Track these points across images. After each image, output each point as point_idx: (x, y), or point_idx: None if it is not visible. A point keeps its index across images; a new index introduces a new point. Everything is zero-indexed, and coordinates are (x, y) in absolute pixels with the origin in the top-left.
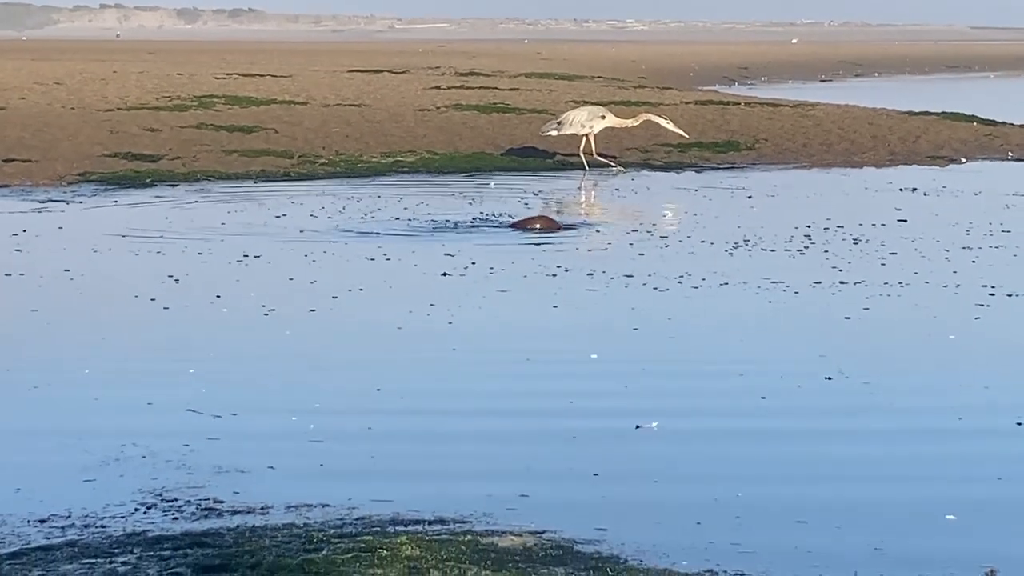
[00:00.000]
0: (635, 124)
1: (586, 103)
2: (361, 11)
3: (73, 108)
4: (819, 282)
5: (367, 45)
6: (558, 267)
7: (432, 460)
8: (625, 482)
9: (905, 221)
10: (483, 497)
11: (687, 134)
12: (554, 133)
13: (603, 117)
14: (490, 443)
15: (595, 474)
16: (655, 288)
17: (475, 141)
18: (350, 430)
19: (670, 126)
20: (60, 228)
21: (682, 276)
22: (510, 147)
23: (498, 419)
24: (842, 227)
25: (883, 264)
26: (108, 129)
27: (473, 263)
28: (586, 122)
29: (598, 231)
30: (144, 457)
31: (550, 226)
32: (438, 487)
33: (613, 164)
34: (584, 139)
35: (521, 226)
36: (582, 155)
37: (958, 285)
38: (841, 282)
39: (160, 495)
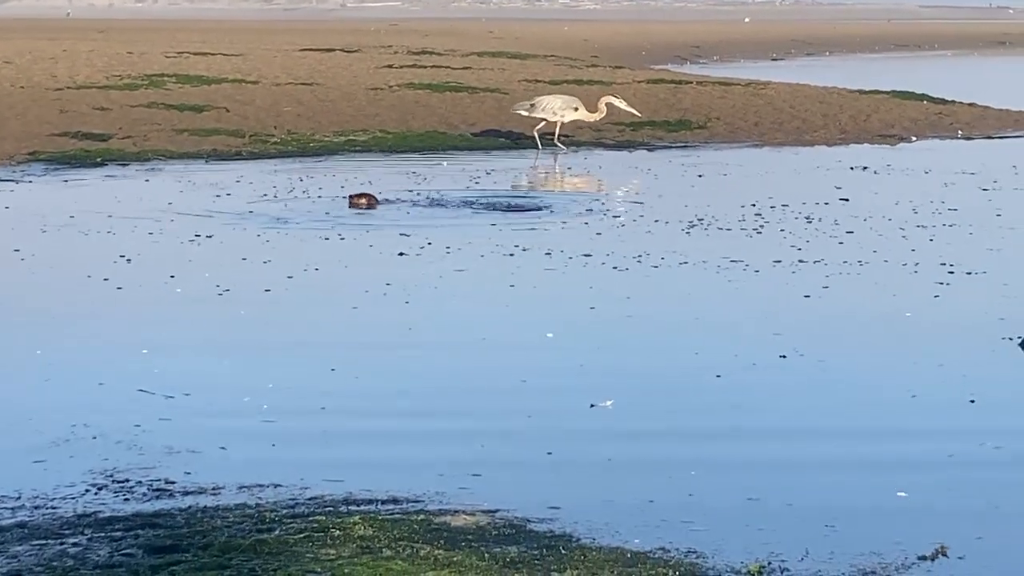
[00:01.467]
0: (601, 117)
1: (547, 87)
2: None
3: (22, 87)
4: (779, 261)
5: (319, 24)
6: (515, 246)
7: (385, 440)
8: (578, 461)
9: (855, 200)
10: (436, 476)
11: (639, 113)
12: (524, 113)
13: (576, 109)
14: (443, 422)
15: (548, 453)
16: (614, 267)
17: (428, 120)
18: (303, 410)
19: (623, 105)
20: (7, 208)
21: (641, 255)
22: (463, 126)
23: (452, 398)
24: (795, 206)
25: (841, 243)
26: (58, 108)
27: (429, 243)
28: (559, 110)
29: (553, 211)
30: (95, 438)
31: (371, 203)
32: (391, 467)
33: (561, 146)
34: (544, 122)
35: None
36: (536, 134)
37: (917, 264)
38: (800, 261)
39: (111, 476)
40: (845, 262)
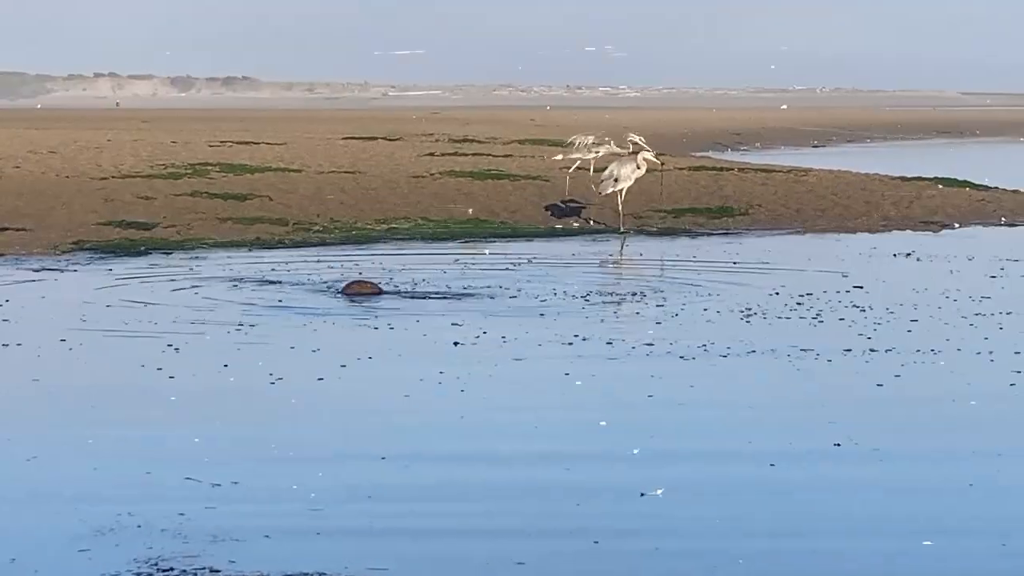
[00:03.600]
0: (643, 171)
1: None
2: (355, 78)
3: (68, 176)
4: (849, 350)
5: (361, 112)
6: (575, 336)
7: (431, 529)
8: (626, 550)
9: (905, 288)
10: (482, 564)
11: (660, 162)
12: (611, 189)
13: (609, 142)
14: (490, 510)
15: (595, 542)
16: (680, 357)
17: (469, 207)
18: (350, 500)
19: (652, 156)
20: (43, 297)
21: (706, 344)
22: (504, 213)
23: (501, 486)
24: (844, 293)
25: (909, 331)
26: (103, 197)
27: (484, 332)
28: (592, 146)
29: (603, 298)
30: (140, 526)
31: (372, 291)
32: (436, 556)
33: (625, 226)
34: (579, 161)
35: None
36: (621, 210)
37: (991, 352)
38: (871, 350)
39: (156, 564)
40: (918, 351)
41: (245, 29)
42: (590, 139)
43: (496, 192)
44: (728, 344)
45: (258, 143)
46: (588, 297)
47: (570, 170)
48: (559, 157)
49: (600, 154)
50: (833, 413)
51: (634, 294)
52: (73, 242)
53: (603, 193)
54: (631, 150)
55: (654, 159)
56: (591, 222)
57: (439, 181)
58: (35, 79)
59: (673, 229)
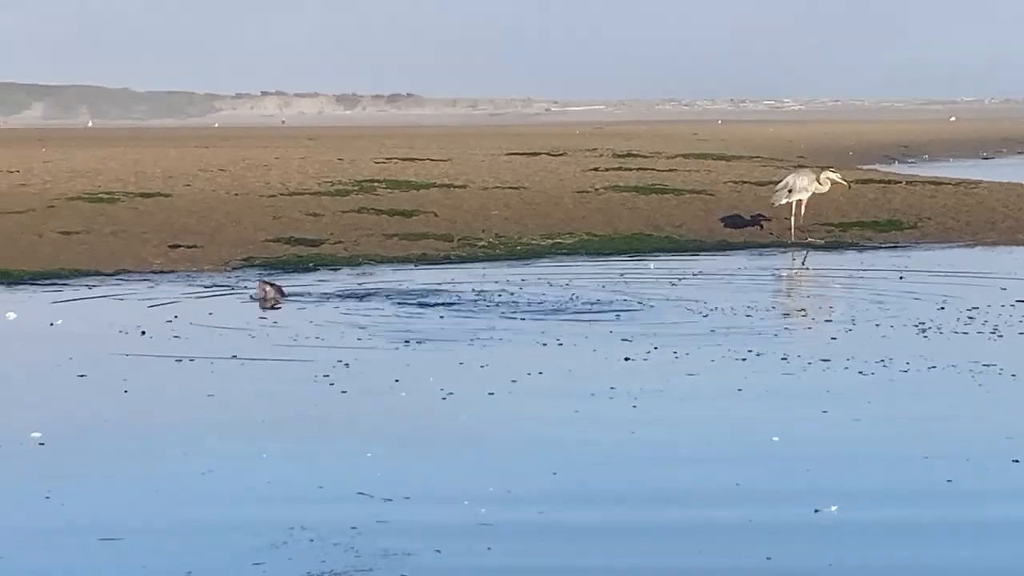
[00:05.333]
0: (824, 188)
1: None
2: (518, 94)
3: (237, 194)
4: None
5: (524, 128)
6: (748, 351)
7: (601, 542)
8: (800, 566)
9: None
10: None
11: (847, 182)
12: (784, 200)
13: (819, 181)
14: (662, 523)
15: (768, 558)
16: (859, 372)
17: (634, 222)
18: (521, 513)
19: (838, 177)
20: (211, 313)
21: (884, 359)
22: (668, 228)
23: (672, 499)
24: (1011, 307)
25: None
26: (271, 214)
27: (654, 348)
28: (808, 185)
29: (773, 314)
30: (312, 540)
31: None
32: (607, 566)
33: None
34: (797, 204)
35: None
36: (795, 223)
37: None
38: None
39: None
40: None
41: (409, 47)
42: (805, 180)
43: (660, 206)
44: (907, 359)
45: (423, 159)
46: (757, 312)
47: (795, 214)
48: (783, 202)
49: (823, 189)
50: (1012, 429)
51: (804, 309)
52: (243, 259)
53: (775, 204)
54: (825, 187)
55: (840, 180)
56: (770, 234)
57: (603, 196)
58: (203, 98)
59: (840, 242)
